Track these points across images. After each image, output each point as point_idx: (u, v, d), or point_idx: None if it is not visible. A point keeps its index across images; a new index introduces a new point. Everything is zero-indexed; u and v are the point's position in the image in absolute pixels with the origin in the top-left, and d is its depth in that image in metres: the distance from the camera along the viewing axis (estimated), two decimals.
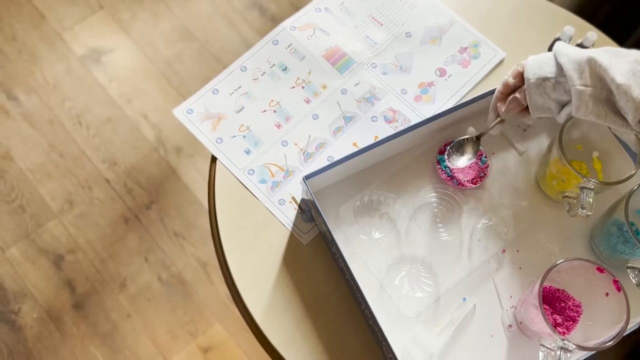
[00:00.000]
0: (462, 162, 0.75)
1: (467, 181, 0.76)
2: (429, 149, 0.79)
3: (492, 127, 0.74)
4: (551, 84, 0.68)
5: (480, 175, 0.77)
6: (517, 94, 0.72)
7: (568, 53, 0.67)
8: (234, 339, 1.36)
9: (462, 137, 0.75)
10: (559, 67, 0.68)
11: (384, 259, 0.73)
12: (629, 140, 0.71)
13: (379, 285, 0.72)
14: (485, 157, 0.78)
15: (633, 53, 0.64)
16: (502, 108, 0.73)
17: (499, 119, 0.74)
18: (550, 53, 0.70)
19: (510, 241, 0.75)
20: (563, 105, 0.70)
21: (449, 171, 0.77)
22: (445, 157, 0.75)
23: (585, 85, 0.65)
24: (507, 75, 0.73)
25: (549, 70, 0.69)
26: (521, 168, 0.79)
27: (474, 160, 0.75)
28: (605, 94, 0.64)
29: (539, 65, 0.70)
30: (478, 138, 0.75)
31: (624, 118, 0.64)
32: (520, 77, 0.72)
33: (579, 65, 0.65)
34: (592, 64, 0.64)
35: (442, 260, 0.73)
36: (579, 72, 0.65)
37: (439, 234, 0.74)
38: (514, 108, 0.72)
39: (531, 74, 0.70)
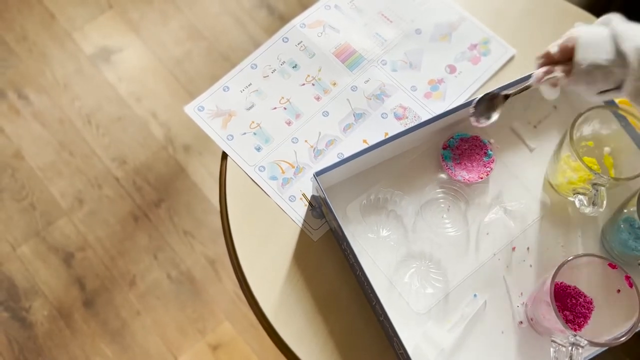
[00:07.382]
0: (492, 120, 0.69)
1: (472, 176, 0.76)
2: (433, 144, 0.79)
3: (521, 90, 0.66)
4: (603, 73, 0.59)
5: (485, 169, 0.76)
6: (557, 72, 0.62)
7: (632, 37, 0.56)
8: (243, 336, 1.37)
9: (489, 93, 0.69)
10: (617, 54, 0.58)
11: (393, 257, 0.73)
12: None
13: (388, 282, 0.72)
14: (491, 151, 0.77)
15: None
16: (536, 79, 0.64)
17: (525, 85, 0.66)
18: (605, 31, 0.60)
19: (521, 238, 0.75)
20: (602, 90, 0.61)
21: (453, 167, 0.77)
22: (473, 118, 0.70)
23: None
24: (552, 45, 0.64)
25: (604, 58, 0.58)
26: (531, 164, 0.79)
27: (497, 117, 0.69)
28: None
29: (593, 48, 0.59)
30: (507, 96, 0.68)
31: None
32: (567, 53, 0.62)
33: None
34: None
35: (451, 256, 0.74)
36: None
37: (446, 230, 0.74)
38: (548, 83, 0.65)
39: (582, 59, 0.59)
